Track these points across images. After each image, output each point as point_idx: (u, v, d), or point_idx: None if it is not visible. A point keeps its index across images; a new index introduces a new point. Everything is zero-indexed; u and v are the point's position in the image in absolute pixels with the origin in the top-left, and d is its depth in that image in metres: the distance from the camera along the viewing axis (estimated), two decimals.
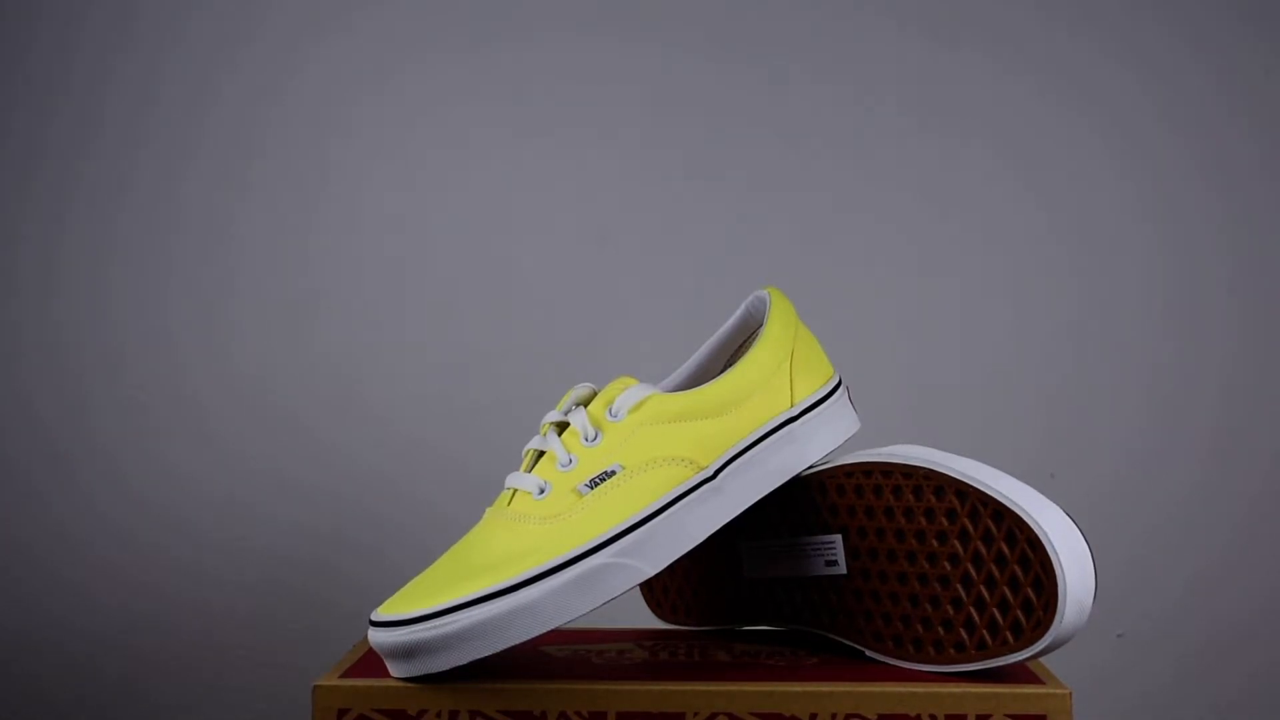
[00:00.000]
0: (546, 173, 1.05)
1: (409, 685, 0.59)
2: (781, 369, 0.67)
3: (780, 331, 0.69)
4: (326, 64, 1.05)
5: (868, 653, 0.64)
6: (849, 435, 0.69)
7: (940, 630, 0.60)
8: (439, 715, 0.58)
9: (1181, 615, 1.01)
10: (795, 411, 0.67)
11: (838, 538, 0.65)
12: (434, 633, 0.58)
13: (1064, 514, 0.59)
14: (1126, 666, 1.01)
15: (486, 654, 0.58)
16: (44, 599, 1.03)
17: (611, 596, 0.60)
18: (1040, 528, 0.57)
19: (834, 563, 0.65)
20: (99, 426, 1.03)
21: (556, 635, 0.73)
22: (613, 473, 0.62)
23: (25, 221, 1.04)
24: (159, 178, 1.04)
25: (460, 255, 1.05)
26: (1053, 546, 0.57)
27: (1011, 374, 1.03)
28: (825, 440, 0.67)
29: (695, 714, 0.56)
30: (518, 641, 0.58)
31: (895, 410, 1.02)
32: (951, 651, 0.60)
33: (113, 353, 1.04)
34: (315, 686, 0.59)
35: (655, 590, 0.77)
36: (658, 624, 0.78)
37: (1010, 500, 0.58)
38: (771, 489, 0.65)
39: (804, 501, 0.66)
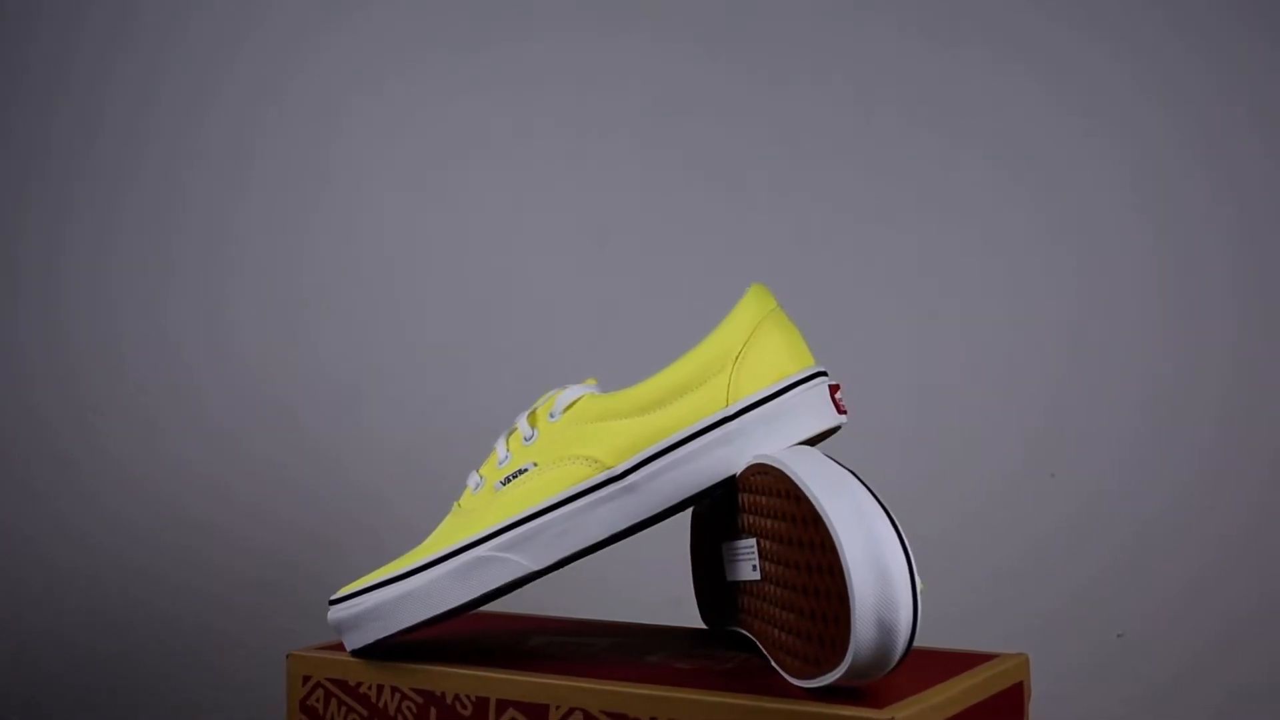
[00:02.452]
0: (547, 172, 1.05)
1: (353, 660, 0.65)
2: (723, 367, 0.64)
3: (730, 329, 0.66)
4: (326, 64, 1.05)
5: (772, 661, 0.61)
6: (806, 435, 0.64)
7: (794, 640, 0.58)
8: (370, 688, 0.64)
9: (1180, 614, 1.01)
10: (731, 411, 0.64)
11: (754, 541, 0.63)
12: (347, 612, 0.65)
13: (884, 523, 0.54)
14: (1126, 666, 1.01)
15: (388, 634, 0.64)
16: (45, 596, 1.03)
17: (489, 588, 0.62)
18: (838, 538, 0.54)
19: (756, 567, 0.63)
20: (100, 425, 1.04)
21: (556, 624, 0.76)
22: (525, 470, 0.64)
23: (27, 221, 1.04)
24: (159, 177, 1.04)
25: (460, 255, 1.05)
26: (846, 559, 0.53)
27: (1011, 374, 1.03)
28: (767, 440, 0.63)
29: (557, 707, 0.59)
30: (411, 624, 0.63)
31: (895, 411, 1.03)
32: (801, 664, 0.57)
33: (113, 351, 1.04)
34: (288, 655, 0.67)
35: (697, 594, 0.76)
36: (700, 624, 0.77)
37: (822, 508, 0.55)
38: (700, 490, 0.63)
39: (734, 504, 0.65)
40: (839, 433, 0.70)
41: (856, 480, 0.56)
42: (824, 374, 0.66)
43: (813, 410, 0.65)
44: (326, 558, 1.04)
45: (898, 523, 0.55)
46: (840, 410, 0.66)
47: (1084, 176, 1.02)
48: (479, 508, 0.65)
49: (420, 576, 0.63)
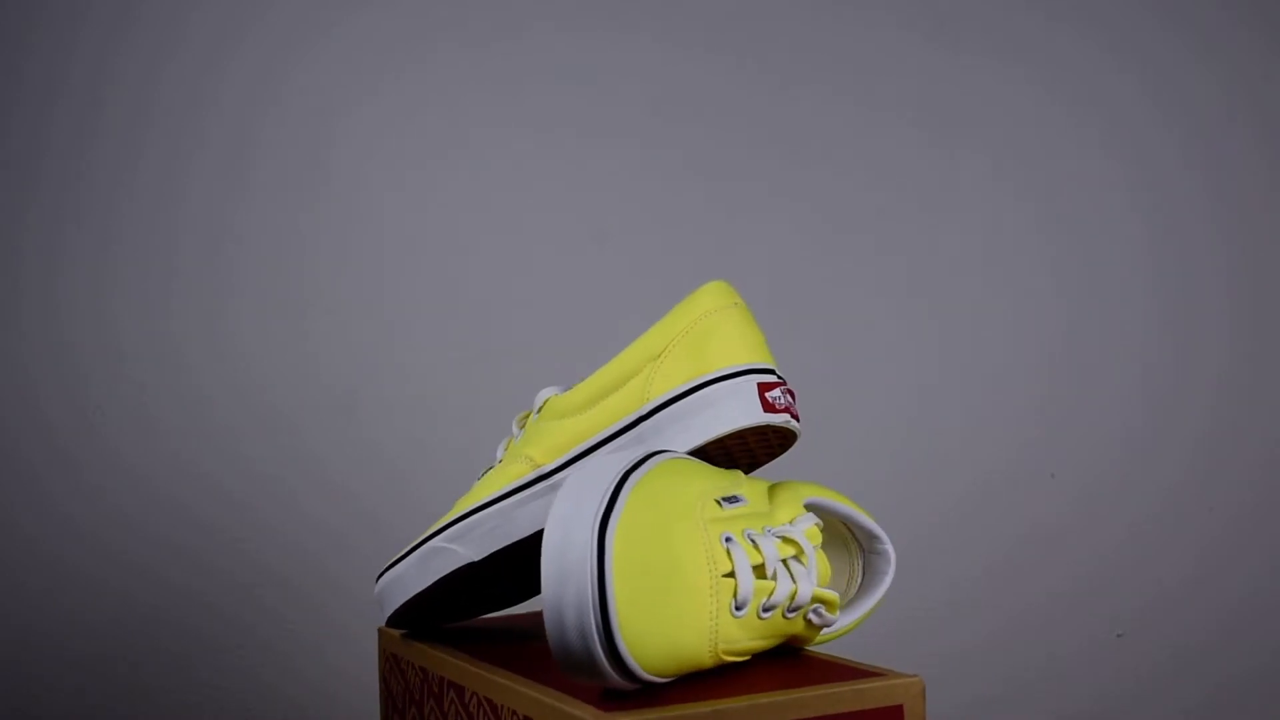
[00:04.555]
0: (546, 173, 1.05)
1: (401, 639, 0.72)
2: (643, 366, 0.64)
3: (660, 329, 0.65)
4: (326, 63, 1.05)
5: None
6: (722, 433, 0.62)
7: None
8: (406, 663, 0.72)
9: (1177, 611, 1.01)
10: (645, 410, 0.63)
11: None
12: (377, 590, 0.70)
13: (585, 528, 0.52)
14: (1123, 662, 1.01)
15: (390, 611, 0.69)
16: (47, 595, 1.03)
17: (439, 576, 0.66)
18: (544, 536, 0.52)
19: None
20: (102, 424, 1.04)
21: None
22: (492, 467, 0.68)
23: (27, 221, 1.04)
24: (159, 178, 1.04)
25: (461, 255, 1.05)
26: (543, 555, 0.52)
27: (1011, 375, 1.03)
28: (680, 439, 0.62)
29: (473, 693, 0.64)
30: (397, 605, 0.68)
31: (896, 411, 1.03)
32: None
33: (114, 351, 1.04)
34: (379, 629, 0.75)
35: None
36: None
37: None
38: None
39: None
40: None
41: (606, 484, 0.54)
42: (761, 371, 0.64)
43: (731, 407, 0.62)
44: (329, 557, 1.04)
45: (609, 531, 0.52)
46: (772, 408, 0.62)
47: (1081, 178, 1.02)
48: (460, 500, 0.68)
49: (402, 564, 0.68)
